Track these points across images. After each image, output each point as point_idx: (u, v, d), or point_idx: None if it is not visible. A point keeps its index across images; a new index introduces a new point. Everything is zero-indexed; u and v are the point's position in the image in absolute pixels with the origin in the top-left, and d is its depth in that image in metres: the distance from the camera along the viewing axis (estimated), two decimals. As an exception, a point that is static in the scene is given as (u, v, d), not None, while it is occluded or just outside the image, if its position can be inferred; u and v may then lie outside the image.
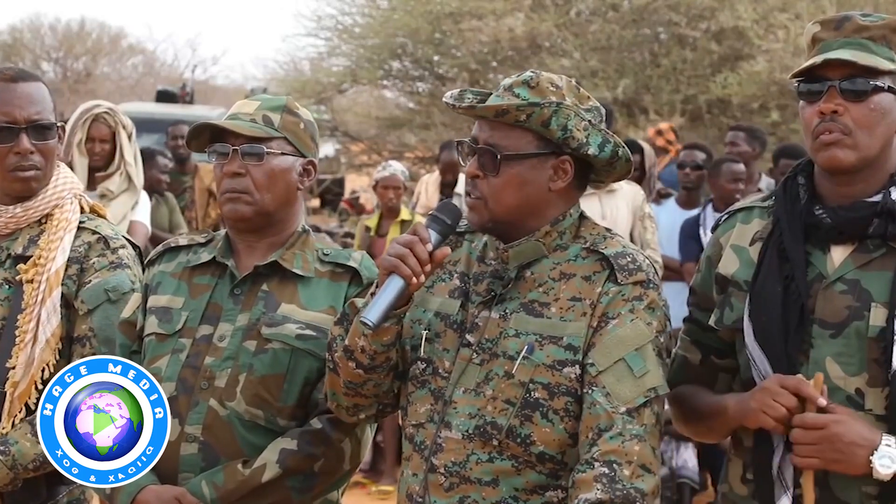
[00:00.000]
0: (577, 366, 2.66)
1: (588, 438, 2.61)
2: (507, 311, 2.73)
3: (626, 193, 6.73)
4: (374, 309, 2.67)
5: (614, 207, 6.65)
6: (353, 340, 2.77)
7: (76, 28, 33.94)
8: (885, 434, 2.59)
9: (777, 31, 14.27)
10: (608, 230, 2.82)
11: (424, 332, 2.79)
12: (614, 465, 2.57)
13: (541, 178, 2.73)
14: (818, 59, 2.67)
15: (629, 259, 2.72)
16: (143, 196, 6.53)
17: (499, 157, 2.71)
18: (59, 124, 3.37)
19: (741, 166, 7.71)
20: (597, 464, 2.57)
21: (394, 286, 2.68)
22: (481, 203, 2.74)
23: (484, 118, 2.74)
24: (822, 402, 2.60)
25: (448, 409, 2.72)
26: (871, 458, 2.58)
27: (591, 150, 2.73)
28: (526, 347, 2.68)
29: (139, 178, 6.45)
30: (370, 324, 2.67)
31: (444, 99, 2.83)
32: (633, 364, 2.64)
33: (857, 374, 2.64)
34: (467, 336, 2.74)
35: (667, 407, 2.77)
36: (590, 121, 2.73)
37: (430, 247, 2.70)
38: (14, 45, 32.26)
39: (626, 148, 2.78)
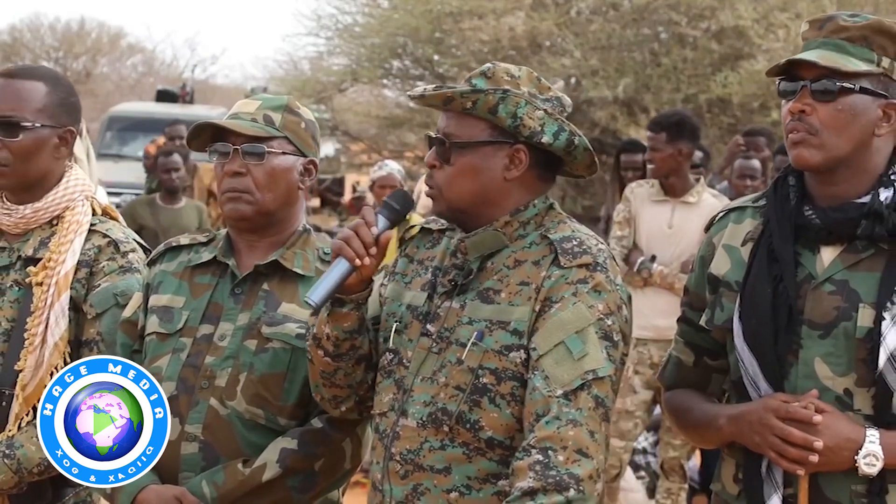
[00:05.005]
0: (523, 350, 2.67)
1: (529, 424, 2.62)
2: (465, 300, 2.75)
3: (706, 206, 6.45)
4: (318, 289, 2.72)
5: (685, 218, 6.53)
6: (319, 328, 2.81)
7: (76, 28, 33.96)
8: (869, 430, 2.61)
9: (777, 30, 14.28)
10: (569, 217, 2.82)
11: (395, 324, 2.82)
12: (549, 451, 2.56)
13: (495, 167, 2.74)
14: (783, 60, 2.70)
15: (575, 243, 2.72)
16: (101, 192, 6.51)
17: (448, 145, 2.74)
18: (63, 127, 3.33)
19: (755, 162, 7.73)
20: (533, 451, 2.57)
21: (339, 268, 2.72)
22: (437, 193, 2.77)
23: (446, 109, 2.77)
24: (818, 419, 2.60)
25: (406, 397, 2.75)
26: (856, 457, 2.59)
27: (546, 139, 2.72)
28: (475, 334, 2.70)
29: (93, 173, 6.41)
30: (312, 304, 2.71)
31: (408, 93, 2.86)
32: (572, 347, 2.63)
33: (846, 374, 2.64)
34: (427, 326, 2.77)
35: (657, 411, 2.77)
36: (546, 110, 2.73)
37: (375, 230, 2.73)
38: (14, 44, 32.29)
39: (584, 137, 2.77)
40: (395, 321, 2.82)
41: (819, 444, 2.58)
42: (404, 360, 2.78)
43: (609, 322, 2.67)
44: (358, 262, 2.71)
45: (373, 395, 2.89)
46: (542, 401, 2.60)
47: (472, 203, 2.75)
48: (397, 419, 2.75)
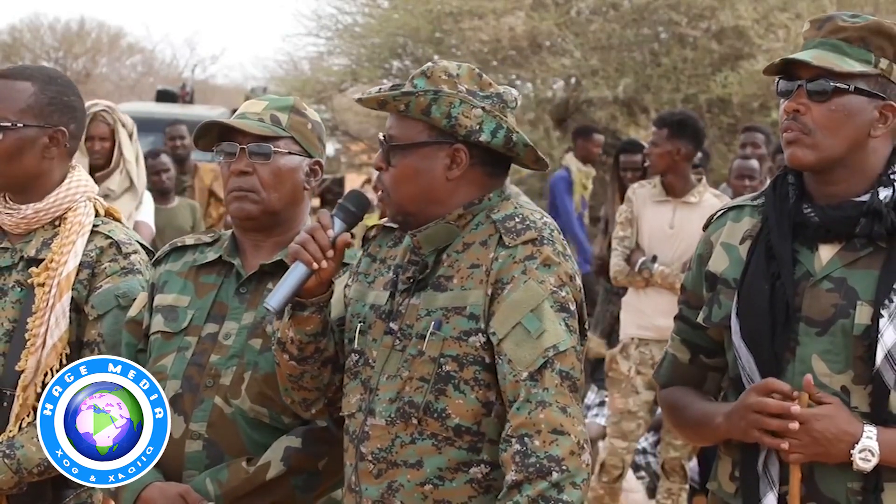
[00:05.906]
0: (481, 333, 2.68)
1: (507, 412, 2.65)
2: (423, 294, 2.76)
3: (708, 206, 6.40)
4: (276, 295, 2.73)
5: (685, 219, 6.55)
6: (283, 332, 2.82)
7: (76, 28, 33.94)
8: (867, 425, 2.62)
9: (777, 30, 14.26)
10: (519, 196, 2.82)
11: (359, 325, 2.83)
12: (525, 438, 2.60)
13: (436, 167, 2.75)
14: (779, 59, 2.71)
15: (517, 220, 2.73)
16: (147, 196, 6.53)
17: (388, 147, 2.76)
18: (53, 127, 3.29)
19: (753, 162, 7.74)
20: (512, 440, 2.61)
21: (296, 273, 2.73)
22: (386, 196, 2.78)
23: (386, 111, 2.79)
24: (795, 392, 2.60)
25: (373, 397, 2.76)
26: (851, 451, 2.61)
27: (484, 137, 2.73)
28: (433, 323, 2.71)
29: (140, 177, 6.43)
30: (270, 309, 2.72)
31: (353, 97, 2.89)
32: (529, 326, 2.64)
33: (843, 371, 2.65)
34: (391, 324, 2.78)
35: (659, 411, 2.78)
36: (484, 107, 2.73)
37: (331, 233, 2.74)
38: (14, 44, 32.25)
39: (521, 134, 2.77)
40: (360, 322, 2.83)
41: (796, 408, 2.59)
42: (370, 360, 2.80)
43: (563, 293, 2.69)
44: (315, 265, 2.72)
45: (342, 397, 2.90)
46: (511, 386, 2.63)
47: (417, 204, 2.76)
48: (365, 419, 2.77)
